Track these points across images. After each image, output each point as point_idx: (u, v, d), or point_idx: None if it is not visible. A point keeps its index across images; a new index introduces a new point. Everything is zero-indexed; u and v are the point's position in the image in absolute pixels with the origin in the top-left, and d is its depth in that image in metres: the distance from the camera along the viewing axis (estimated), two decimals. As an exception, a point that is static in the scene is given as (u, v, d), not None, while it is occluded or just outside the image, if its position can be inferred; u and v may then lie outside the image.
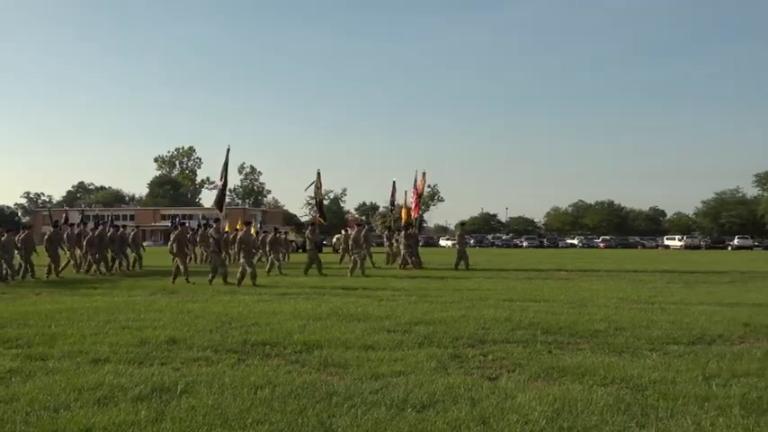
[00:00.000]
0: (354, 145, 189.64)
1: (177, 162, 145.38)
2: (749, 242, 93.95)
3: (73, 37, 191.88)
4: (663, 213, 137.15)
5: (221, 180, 25.28)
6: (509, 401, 6.27)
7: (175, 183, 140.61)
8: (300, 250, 44.01)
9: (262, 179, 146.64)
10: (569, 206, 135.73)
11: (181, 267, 21.17)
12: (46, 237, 24.56)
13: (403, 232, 29.43)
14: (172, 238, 22.07)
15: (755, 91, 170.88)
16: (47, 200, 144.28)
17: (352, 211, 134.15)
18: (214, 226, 21.74)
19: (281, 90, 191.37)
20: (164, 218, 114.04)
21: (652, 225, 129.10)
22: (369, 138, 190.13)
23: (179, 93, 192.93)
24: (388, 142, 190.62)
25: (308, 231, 25.00)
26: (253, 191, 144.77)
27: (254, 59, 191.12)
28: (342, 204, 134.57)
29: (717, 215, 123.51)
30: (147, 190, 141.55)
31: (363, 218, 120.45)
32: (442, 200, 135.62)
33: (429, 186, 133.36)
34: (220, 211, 25.13)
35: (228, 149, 24.72)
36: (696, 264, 36.34)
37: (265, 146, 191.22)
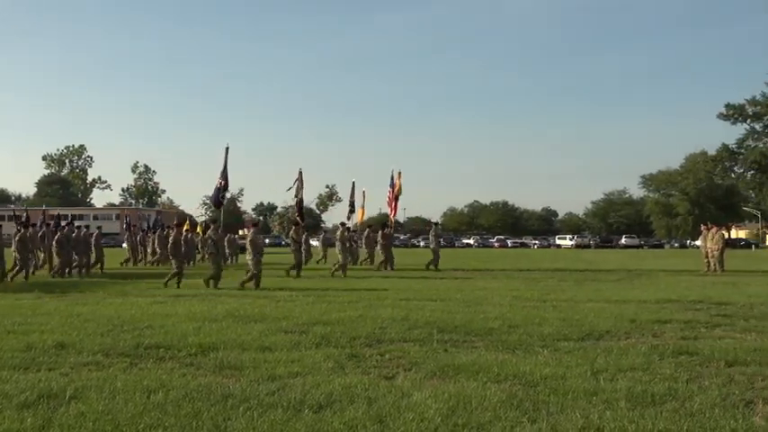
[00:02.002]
0: (253, 145, 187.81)
1: (67, 161, 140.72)
2: (636, 241, 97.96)
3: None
4: (555, 214, 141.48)
5: (220, 180, 24.95)
6: (405, 400, 6.32)
7: (65, 182, 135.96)
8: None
9: (156, 178, 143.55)
10: (465, 207, 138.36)
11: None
12: (17, 238, 22.99)
13: (380, 232, 29.26)
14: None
15: (641, 95, 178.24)
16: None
17: (249, 211, 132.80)
18: (212, 227, 20.99)
19: (176, 87, 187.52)
20: (52, 218, 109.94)
21: (544, 225, 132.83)
22: (265, 138, 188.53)
23: (69, 89, 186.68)
24: (283, 142, 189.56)
25: (291, 231, 24.54)
26: (147, 190, 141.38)
27: (148, 56, 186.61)
28: (239, 204, 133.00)
29: (605, 215, 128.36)
30: (36, 189, 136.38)
31: (261, 218, 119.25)
32: (339, 200, 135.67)
33: (327, 187, 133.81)
34: (217, 209, 25.05)
35: (227, 149, 24.47)
36: (586, 262, 37.50)
37: (161, 145, 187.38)
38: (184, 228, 26.96)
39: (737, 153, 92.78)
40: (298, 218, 29.17)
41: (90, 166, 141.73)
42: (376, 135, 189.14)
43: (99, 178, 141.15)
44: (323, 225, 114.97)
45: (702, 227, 30.49)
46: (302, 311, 12.74)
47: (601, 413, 5.90)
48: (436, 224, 32.17)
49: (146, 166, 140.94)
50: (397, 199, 35.26)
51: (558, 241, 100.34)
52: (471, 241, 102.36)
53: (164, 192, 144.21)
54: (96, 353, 8.69)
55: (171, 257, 20.42)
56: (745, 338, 9.84)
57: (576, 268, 30.26)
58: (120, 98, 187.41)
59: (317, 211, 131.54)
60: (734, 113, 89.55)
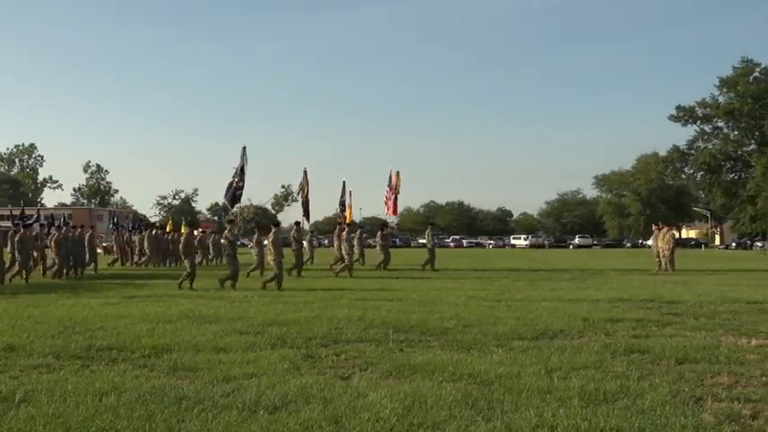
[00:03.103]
0: (208, 144, 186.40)
1: (17, 160, 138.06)
2: (589, 241, 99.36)
3: None
4: (509, 214, 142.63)
5: (235, 179, 24.75)
6: (361, 400, 6.32)
7: (15, 182, 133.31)
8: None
9: (109, 178, 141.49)
10: (421, 206, 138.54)
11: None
12: (17, 238, 22.31)
13: (380, 232, 29.00)
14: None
15: (594, 96, 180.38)
16: None
17: (204, 211, 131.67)
18: (228, 227, 20.66)
19: (130, 85, 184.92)
20: (1, 218, 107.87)
21: (499, 225, 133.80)
22: (220, 138, 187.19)
23: (18, 87, 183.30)
24: (239, 143, 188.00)
25: (293, 231, 24.41)
26: (99, 190, 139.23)
27: (101, 53, 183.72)
28: (193, 204, 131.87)
29: (559, 215, 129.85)
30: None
31: (216, 218, 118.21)
32: (296, 200, 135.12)
33: (283, 187, 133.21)
34: (231, 207, 24.91)
35: (244, 148, 24.32)
36: (540, 262, 37.88)
37: (113, 145, 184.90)
38: (197, 229, 27.04)
39: (688, 154, 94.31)
40: (304, 218, 29.13)
41: (41, 166, 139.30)
42: (332, 134, 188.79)
43: (50, 178, 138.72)
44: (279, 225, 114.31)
45: (654, 227, 30.97)
46: (257, 312, 12.67)
47: (554, 411, 5.96)
48: (432, 224, 32.21)
49: (98, 166, 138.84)
50: (396, 199, 35.21)
51: (512, 241, 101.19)
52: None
53: (116, 192, 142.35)
54: (47, 355, 8.55)
55: (183, 258, 20.12)
56: (694, 336, 10.01)
57: (530, 268, 30.55)
58: (71, 96, 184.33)
59: (273, 212, 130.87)
60: (684, 115, 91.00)
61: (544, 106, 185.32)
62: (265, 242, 21.57)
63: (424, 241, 32.79)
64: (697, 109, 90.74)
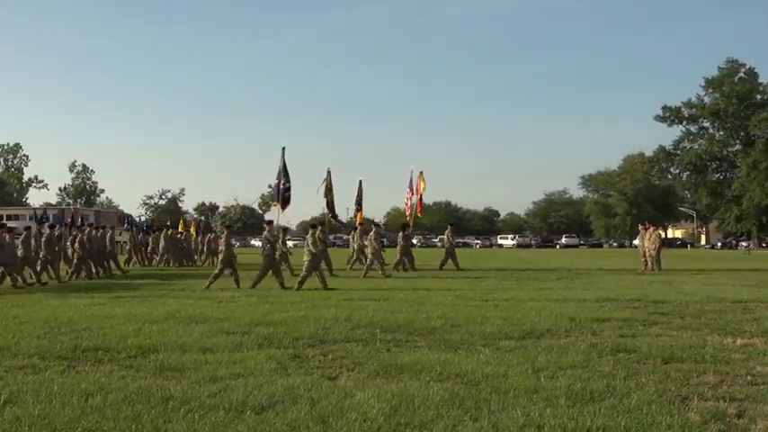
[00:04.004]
0: (195, 144, 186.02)
1: (2, 159, 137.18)
2: (575, 241, 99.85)
3: None
4: (497, 213, 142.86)
5: (280, 181, 24.78)
6: (348, 400, 6.32)
7: (0, 181, 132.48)
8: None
9: (95, 178, 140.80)
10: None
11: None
12: (44, 238, 22.20)
13: (401, 233, 28.54)
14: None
15: (581, 96, 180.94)
16: None
17: (191, 210, 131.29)
18: (267, 228, 20.52)
19: (115, 85, 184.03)
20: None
21: (487, 225, 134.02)
22: (208, 137, 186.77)
23: (2, 84, 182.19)
24: (228, 143, 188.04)
25: (317, 232, 24.28)
26: (85, 190, 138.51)
27: (86, 51, 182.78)
28: (180, 204, 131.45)
29: (546, 215, 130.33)
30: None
31: (203, 218, 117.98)
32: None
33: (270, 187, 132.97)
34: (283, 210, 25.14)
35: (283, 149, 24.35)
36: (527, 262, 37.97)
37: (100, 144, 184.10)
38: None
39: (674, 154, 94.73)
40: (331, 218, 29.01)
41: (26, 165, 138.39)
42: (328, 133, 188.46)
43: (35, 177, 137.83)
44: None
45: (640, 227, 31.08)
46: (244, 312, 12.64)
47: (541, 410, 5.98)
48: (451, 225, 32.09)
49: (84, 166, 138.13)
50: (420, 199, 35.16)
51: (499, 241, 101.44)
52: (414, 241, 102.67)
53: (102, 191, 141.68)
54: (32, 356, 8.50)
55: (215, 257, 20.08)
56: (680, 336, 10.06)
57: (517, 267, 30.61)
58: (56, 95, 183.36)
59: (260, 212, 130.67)
60: (670, 116, 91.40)
61: (531, 107, 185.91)
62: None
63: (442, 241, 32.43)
64: (683, 109, 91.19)
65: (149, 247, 34.54)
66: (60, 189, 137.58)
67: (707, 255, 57.52)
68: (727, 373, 7.53)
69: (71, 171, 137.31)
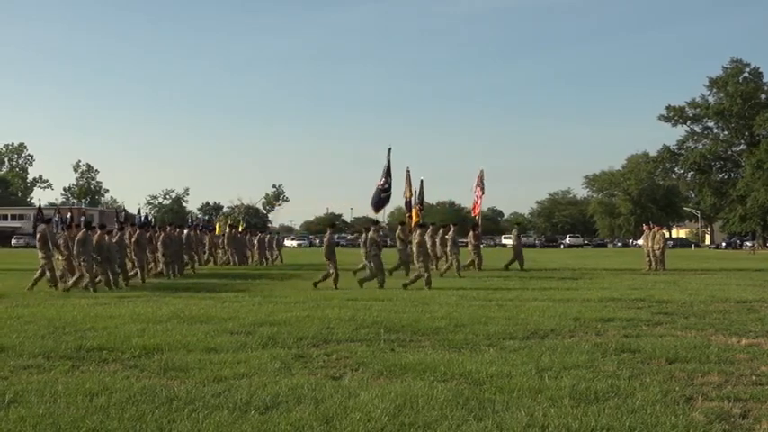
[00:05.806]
0: (200, 144, 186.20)
1: (6, 159, 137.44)
2: (579, 240, 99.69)
3: None
4: (501, 213, 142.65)
5: (380, 181, 24.75)
6: (352, 400, 6.32)
7: (4, 181, 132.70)
8: None
9: (99, 178, 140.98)
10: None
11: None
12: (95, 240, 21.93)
13: (471, 232, 28.49)
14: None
15: (585, 96, 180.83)
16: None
17: (195, 210, 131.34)
18: (373, 228, 20.44)
19: (120, 86, 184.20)
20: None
21: (491, 225, 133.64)
22: (211, 138, 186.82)
23: (7, 85, 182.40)
24: (230, 142, 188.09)
25: (398, 231, 24.10)
26: (89, 190, 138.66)
27: (90, 51, 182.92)
28: (184, 204, 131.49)
29: (550, 215, 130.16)
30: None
31: (206, 218, 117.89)
32: (287, 200, 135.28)
33: (274, 186, 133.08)
34: (376, 212, 26.59)
35: (390, 150, 24.47)
36: (531, 261, 37.69)
37: (105, 144, 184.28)
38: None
39: (678, 154, 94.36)
40: (408, 217, 29.02)
41: (31, 165, 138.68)
42: (324, 132, 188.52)
43: (40, 177, 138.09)
44: (269, 225, 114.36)
45: (644, 226, 31.09)
46: (248, 312, 12.64)
47: (545, 410, 5.97)
48: (518, 224, 32.11)
49: (88, 165, 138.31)
50: (480, 198, 35.40)
51: (503, 240, 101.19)
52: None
53: (107, 191, 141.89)
54: (37, 355, 8.52)
55: (326, 259, 19.93)
56: (685, 336, 10.04)
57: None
58: (61, 95, 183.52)
59: (264, 211, 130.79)
60: (674, 115, 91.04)
61: (535, 107, 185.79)
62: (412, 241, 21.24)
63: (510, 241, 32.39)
64: (687, 109, 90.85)
65: (207, 247, 33.29)
66: (65, 189, 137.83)
67: (711, 255, 57.37)
68: (732, 373, 7.52)
69: (75, 171, 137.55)
